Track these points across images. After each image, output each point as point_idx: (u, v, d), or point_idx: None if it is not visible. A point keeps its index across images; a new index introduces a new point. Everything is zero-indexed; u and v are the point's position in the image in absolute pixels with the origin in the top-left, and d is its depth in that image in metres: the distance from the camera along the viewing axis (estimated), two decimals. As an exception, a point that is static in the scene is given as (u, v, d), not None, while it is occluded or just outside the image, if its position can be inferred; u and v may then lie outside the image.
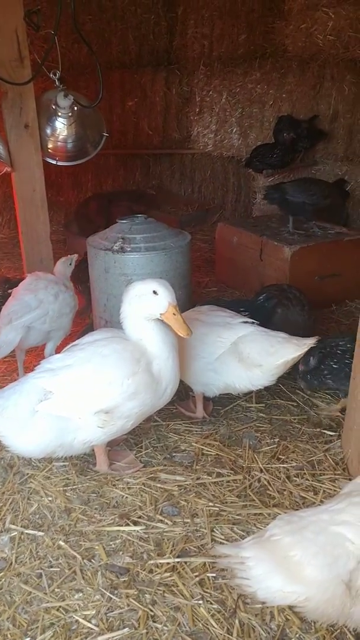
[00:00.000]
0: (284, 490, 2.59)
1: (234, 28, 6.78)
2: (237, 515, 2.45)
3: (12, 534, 2.38)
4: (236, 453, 2.86)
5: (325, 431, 3.02)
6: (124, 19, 6.93)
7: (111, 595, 2.09)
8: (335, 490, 2.54)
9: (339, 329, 4.18)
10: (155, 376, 2.56)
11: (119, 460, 2.79)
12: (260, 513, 2.45)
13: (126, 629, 1.97)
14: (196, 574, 2.17)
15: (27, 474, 2.72)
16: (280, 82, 6.26)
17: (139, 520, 2.44)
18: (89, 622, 2.00)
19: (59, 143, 4.00)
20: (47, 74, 3.72)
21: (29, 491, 2.62)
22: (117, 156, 7.30)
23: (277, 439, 2.96)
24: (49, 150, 4.01)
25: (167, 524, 2.41)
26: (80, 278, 3.91)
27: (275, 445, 2.91)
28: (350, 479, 2.52)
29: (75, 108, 3.86)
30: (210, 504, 2.51)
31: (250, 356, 2.91)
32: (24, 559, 2.27)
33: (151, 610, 2.03)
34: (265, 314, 3.47)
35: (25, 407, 2.48)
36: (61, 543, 2.33)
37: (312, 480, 2.64)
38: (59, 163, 4.11)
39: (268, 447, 2.90)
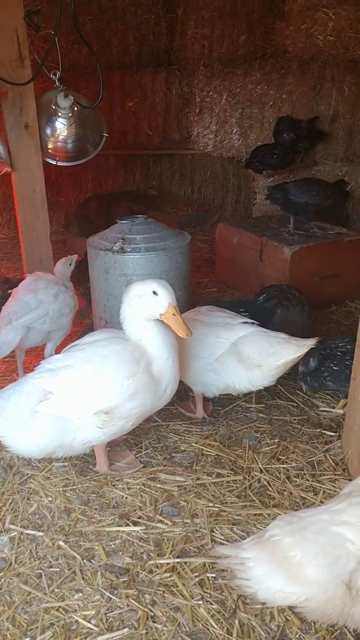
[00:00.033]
0: (284, 490, 2.59)
1: (234, 29, 6.78)
2: (237, 515, 2.45)
3: (12, 534, 2.38)
4: (236, 453, 2.86)
5: (325, 432, 3.02)
6: (124, 19, 6.93)
7: (111, 596, 2.09)
8: (335, 491, 2.54)
9: (338, 330, 4.18)
10: (155, 377, 2.56)
11: (118, 461, 2.79)
12: (260, 513, 2.45)
13: (126, 629, 1.97)
14: (196, 574, 2.17)
15: (27, 474, 2.72)
16: (281, 83, 6.26)
17: (139, 520, 2.44)
18: (89, 622, 2.00)
19: (59, 143, 4.00)
20: (47, 74, 3.72)
21: (29, 491, 2.62)
22: (117, 157, 7.30)
23: (277, 440, 2.96)
24: (49, 150, 4.01)
25: (167, 524, 2.41)
26: (80, 279, 3.91)
27: (275, 446, 2.91)
28: (350, 480, 2.52)
29: (76, 108, 3.86)
30: (210, 504, 2.51)
31: (250, 357, 2.91)
32: (24, 559, 2.26)
33: (151, 611, 2.03)
34: (265, 314, 3.46)
35: (25, 407, 2.48)
36: (61, 543, 2.33)
37: (312, 481, 2.64)
38: (59, 163, 4.10)
39: (268, 448, 2.90)
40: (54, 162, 4.08)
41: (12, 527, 2.41)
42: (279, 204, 4.74)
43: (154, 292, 2.49)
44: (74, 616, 2.03)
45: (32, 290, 3.33)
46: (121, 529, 2.39)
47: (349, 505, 1.83)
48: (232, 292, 4.92)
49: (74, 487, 2.64)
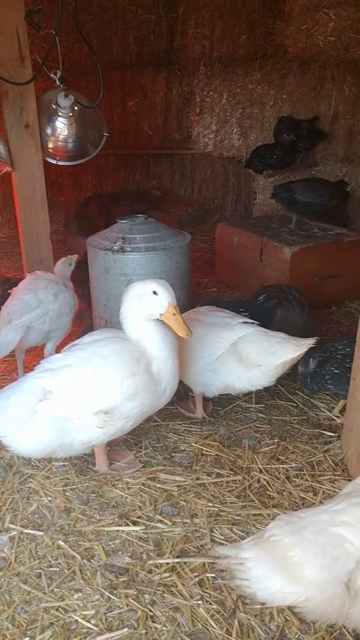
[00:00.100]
0: (284, 490, 2.59)
1: (234, 29, 6.78)
2: (237, 515, 2.45)
3: (12, 534, 2.38)
4: (236, 453, 2.86)
5: (325, 432, 3.03)
6: (124, 19, 6.93)
7: (110, 595, 2.09)
8: (334, 491, 2.54)
9: (338, 330, 4.18)
10: (154, 377, 2.56)
11: (118, 460, 2.79)
12: (259, 514, 2.45)
13: (125, 629, 1.97)
14: (195, 574, 2.17)
15: (27, 473, 2.72)
16: (281, 83, 6.27)
17: (139, 520, 2.44)
18: (88, 622, 2.00)
19: (59, 143, 4.00)
20: (48, 73, 3.72)
21: (29, 491, 2.62)
22: (117, 156, 7.30)
23: (277, 440, 2.96)
24: (50, 150, 4.01)
25: (166, 524, 2.41)
26: (80, 279, 3.91)
27: (274, 446, 2.91)
28: (349, 480, 2.52)
29: (76, 108, 3.86)
30: (210, 504, 2.51)
31: (249, 356, 2.91)
32: (24, 559, 2.27)
33: (150, 611, 2.03)
34: (265, 314, 3.46)
35: (25, 407, 2.48)
36: (60, 543, 2.33)
37: (312, 481, 2.64)
38: (60, 163, 4.10)
39: (267, 448, 2.90)
40: (54, 162, 4.08)
41: (12, 526, 2.41)
42: (284, 203, 4.75)
43: (154, 292, 2.49)
44: (73, 616, 2.03)
45: (32, 289, 3.32)
46: (121, 528, 2.39)
47: (349, 506, 1.83)
48: (232, 292, 4.92)
49: (73, 486, 2.64)
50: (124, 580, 2.16)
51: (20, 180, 3.93)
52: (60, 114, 3.87)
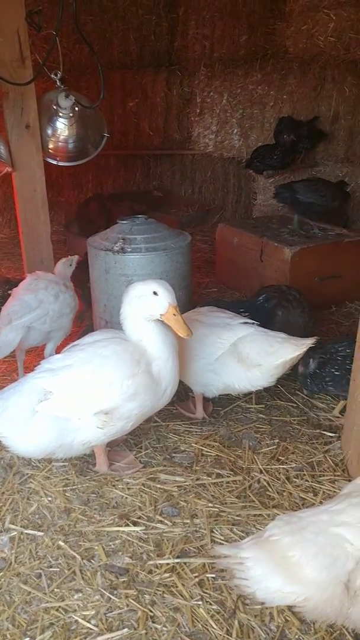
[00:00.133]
0: (284, 491, 2.60)
1: (235, 29, 6.79)
2: (237, 516, 2.45)
3: (12, 534, 2.38)
4: (236, 454, 2.86)
5: (325, 432, 3.03)
6: (125, 19, 6.93)
7: (110, 596, 2.10)
8: (334, 492, 2.54)
9: (338, 331, 4.18)
10: (155, 377, 2.56)
11: (118, 461, 2.79)
12: (259, 514, 2.45)
13: (125, 630, 1.97)
14: (196, 574, 2.17)
15: (27, 474, 2.72)
16: (281, 84, 6.27)
17: (139, 520, 2.44)
18: (89, 622, 2.00)
19: (59, 143, 4.00)
20: (49, 74, 3.72)
21: (29, 491, 2.62)
22: (117, 157, 7.30)
23: (277, 440, 2.96)
24: (50, 150, 4.01)
25: (166, 524, 2.41)
26: (80, 279, 3.91)
27: (275, 446, 2.91)
28: (349, 480, 2.52)
29: (77, 108, 3.86)
30: (210, 504, 2.51)
31: (249, 356, 2.92)
32: (24, 559, 2.27)
33: (150, 611, 2.04)
34: (265, 314, 3.46)
35: (25, 407, 2.48)
36: (61, 543, 2.33)
37: (312, 482, 2.65)
38: (60, 163, 4.11)
39: (268, 448, 2.90)
40: (54, 162, 4.08)
41: (12, 526, 2.41)
42: (286, 203, 4.75)
43: (155, 292, 2.49)
44: (73, 616, 2.03)
45: (33, 290, 3.33)
46: (121, 529, 2.39)
47: (349, 506, 1.83)
48: (232, 293, 4.92)
49: (74, 487, 2.64)
50: (124, 581, 2.16)
51: (20, 180, 3.94)
52: (60, 114, 3.87)
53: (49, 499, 2.57)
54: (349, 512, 1.81)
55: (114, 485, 2.65)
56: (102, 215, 5.82)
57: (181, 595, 2.09)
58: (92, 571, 2.20)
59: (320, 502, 2.47)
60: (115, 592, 2.11)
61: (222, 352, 2.94)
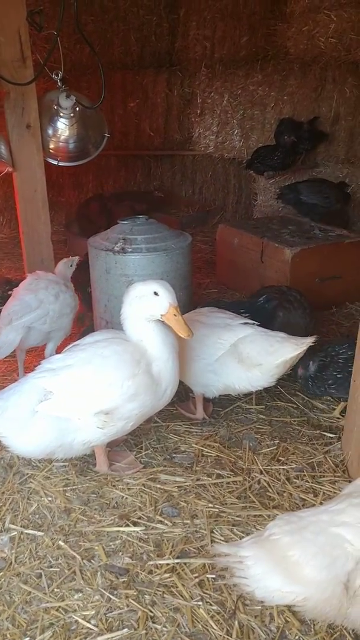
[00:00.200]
0: (284, 492, 2.59)
1: (235, 30, 6.80)
2: (237, 516, 2.45)
3: (12, 534, 2.38)
4: (236, 454, 2.86)
5: (325, 433, 3.03)
6: (126, 20, 6.94)
7: (111, 596, 2.09)
8: (335, 493, 2.54)
9: (339, 331, 4.18)
10: (155, 377, 2.56)
11: (118, 461, 2.79)
12: (260, 514, 2.45)
13: (125, 630, 1.97)
14: (196, 575, 2.17)
15: (27, 474, 2.72)
16: (282, 85, 6.28)
17: (139, 521, 2.44)
18: (89, 622, 2.00)
19: (60, 143, 4.00)
20: (49, 74, 3.73)
21: (29, 491, 2.62)
22: (118, 157, 7.31)
23: (277, 441, 2.96)
24: (51, 150, 4.01)
25: (166, 524, 2.41)
26: (81, 281, 3.90)
27: (275, 447, 2.91)
28: (350, 481, 2.52)
29: (77, 109, 3.86)
30: (210, 505, 2.51)
31: (249, 356, 2.92)
32: (24, 559, 2.27)
33: (151, 611, 2.03)
34: (266, 315, 3.46)
35: (26, 407, 2.48)
36: (61, 543, 2.33)
37: (312, 482, 2.64)
38: (61, 163, 4.11)
39: (268, 449, 2.90)
40: (55, 162, 4.08)
41: (12, 526, 2.41)
42: (290, 203, 4.76)
43: (155, 293, 2.49)
44: (73, 616, 2.03)
45: (33, 290, 3.33)
46: (121, 529, 2.39)
47: (349, 506, 1.83)
48: (233, 293, 4.92)
49: (74, 487, 2.64)
50: (124, 581, 2.16)
51: (21, 180, 3.94)
52: (61, 114, 3.87)
53: (49, 499, 2.57)
54: (349, 513, 1.81)
55: (114, 486, 2.64)
56: (103, 216, 5.82)
57: (181, 596, 2.09)
58: (92, 571, 2.20)
59: (321, 503, 2.46)
60: (115, 592, 2.11)
61: (223, 353, 2.94)
